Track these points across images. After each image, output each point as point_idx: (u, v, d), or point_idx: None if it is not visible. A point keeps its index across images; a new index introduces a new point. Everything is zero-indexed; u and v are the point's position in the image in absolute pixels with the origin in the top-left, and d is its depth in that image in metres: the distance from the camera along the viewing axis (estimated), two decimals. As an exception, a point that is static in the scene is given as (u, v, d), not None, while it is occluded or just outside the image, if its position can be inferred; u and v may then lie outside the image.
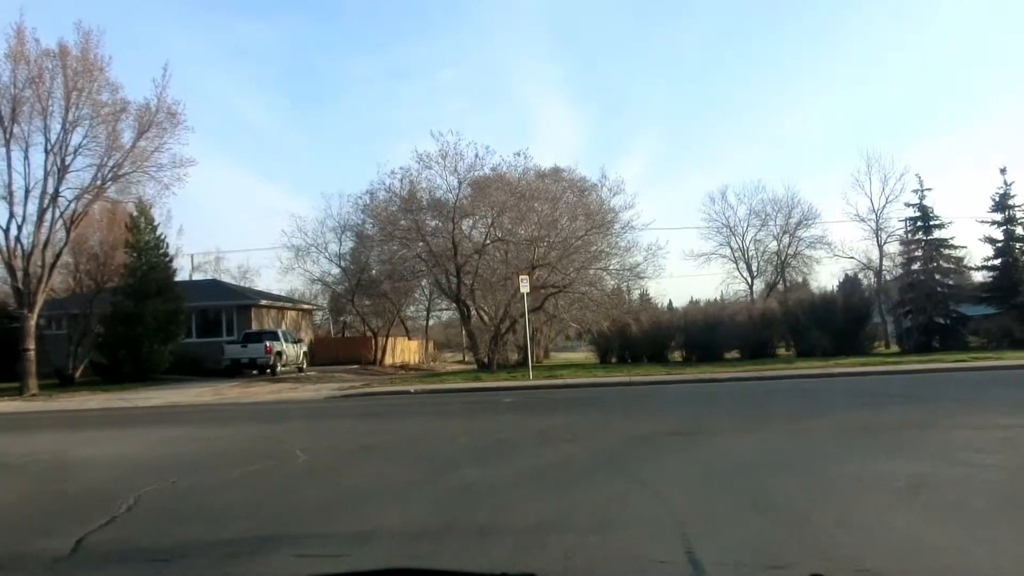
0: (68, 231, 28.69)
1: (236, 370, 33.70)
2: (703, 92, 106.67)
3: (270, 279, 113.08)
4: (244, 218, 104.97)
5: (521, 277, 26.33)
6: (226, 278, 56.07)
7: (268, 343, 33.70)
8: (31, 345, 27.37)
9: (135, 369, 31.02)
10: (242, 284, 53.03)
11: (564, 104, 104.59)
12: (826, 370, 23.38)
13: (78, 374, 32.81)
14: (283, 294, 51.97)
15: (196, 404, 21.94)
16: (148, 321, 31.28)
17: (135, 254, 32.43)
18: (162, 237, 33.60)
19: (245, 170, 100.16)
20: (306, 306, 48.12)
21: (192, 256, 61.53)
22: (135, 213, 32.55)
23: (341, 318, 54.22)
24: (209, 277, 54.43)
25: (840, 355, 31.90)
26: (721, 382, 21.72)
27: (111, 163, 27.91)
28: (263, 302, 40.61)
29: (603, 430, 11.26)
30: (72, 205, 28.32)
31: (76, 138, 27.45)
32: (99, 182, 28.12)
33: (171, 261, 34.51)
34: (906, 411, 12.73)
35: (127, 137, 28.20)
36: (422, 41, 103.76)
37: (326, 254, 45.29)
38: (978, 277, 39.82)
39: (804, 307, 38.10)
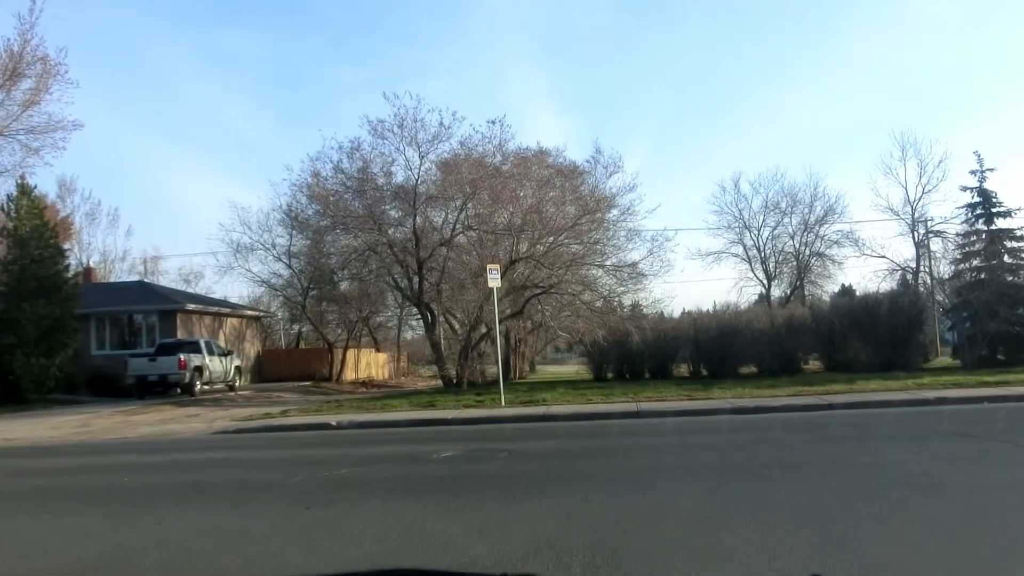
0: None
1: (144, 389, 27.18)
2: (709, 79, 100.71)
3: (227, 285, 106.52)
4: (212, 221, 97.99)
5: (490, 267, 19.70)
6: (164, 281, 49.32)
7: (183, 356, 27.12)
8: None
9: (5, 389, 24.41)
10: (184, 289, 46.33)
11: (555, 112, 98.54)
12: (915, 394, 16.95)
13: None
14: (239, 301, 45.43)
15: (12, 448, 15.47)
16: (26, 328, 24.67)
17: (13, 244, 25.84)
18: (50, 224, 26.98)
19: (225, 176, 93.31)
20: (250, 312, 41.35)
21: (146, 260, 55.24)
22: (13, 193, 25.99)
23: (296, 326, 47.54)
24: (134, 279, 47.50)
25: (887, 371, 25.60)
26: (770, 411, 15.29)
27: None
28: (191, 306, 33.90)
29: None
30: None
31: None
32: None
33: (63, 255, 27.74)
34: None
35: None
36: (410, 50, 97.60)
37: (274, 251, 38.40)
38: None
39: (840, 313, 31.73)
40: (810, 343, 32.65)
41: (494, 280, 19.57)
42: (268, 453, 12.09)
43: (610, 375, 33.20)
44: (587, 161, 34.27)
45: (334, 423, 16.52)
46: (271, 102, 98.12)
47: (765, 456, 9.27)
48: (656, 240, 32.04)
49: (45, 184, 68.47)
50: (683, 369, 33.51)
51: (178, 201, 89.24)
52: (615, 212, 31.85)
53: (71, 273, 38.55)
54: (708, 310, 44.34)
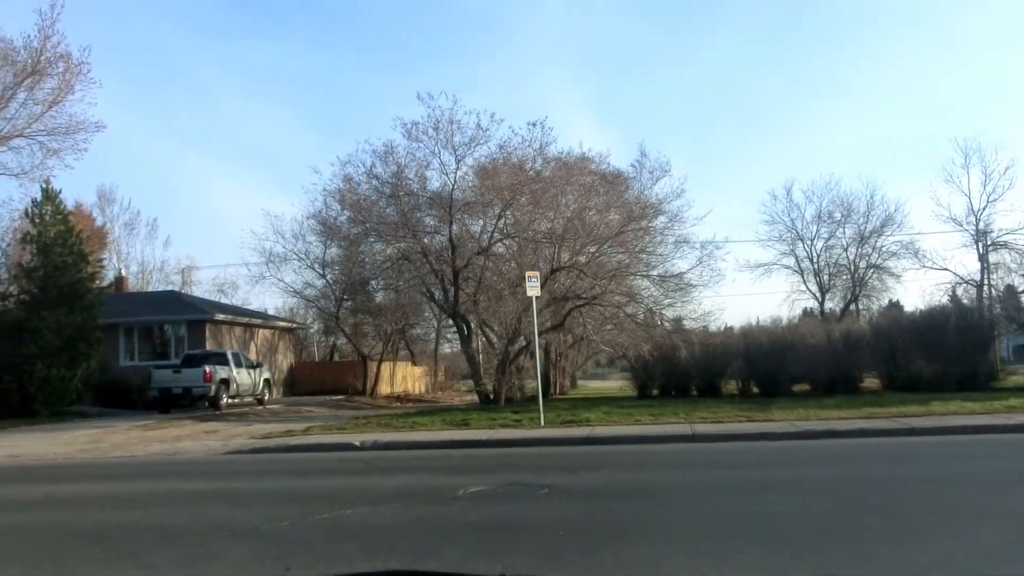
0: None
1: (169, 402, 26.08)
2: (754, 90, 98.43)
3: (261, 295, 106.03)
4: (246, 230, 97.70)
5: (528, 275, 18.15)
6: (198, 291, 48.47)
7: (209, 369, 25.96)
8: None
9: (24, 401, 23.45)
10: (219, 299, 45.46)
11: (594, 126, 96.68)
12: (1009, 419, 15.00)
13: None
14: (274, 312, 44.43)
15: (10, 467, 14.34)
16: (47, 337, 23.68)
17: (37, 251, 24.94)
18: (75, 230, 26.04)
19: (261, 188, 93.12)
20: (282, 323, 40.25)
21: (183, 271, 54.54)
22: (38, 198, 25.11)
23: (330, 339, 46.35)
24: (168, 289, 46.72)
25: (955, 390, 23.62)
26: (842, 437, 13.52)
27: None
28: (220, 317, 32.85)
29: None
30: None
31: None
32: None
33: (87, 261, 26.72)
34: None
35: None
36: (447, 65, 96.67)
37: (307, 260, 37.19)
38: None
39: (903, 328, 29.65)
40: (868, 360, 30.53)
41: (533, 288, 18.02)
42: (269, 482, 10.65)
43: (655, 392, 31.42)
44: (632, 166, 32.81)
45: (357, 443, 15.13)
46: (308, 116, 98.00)
47: (859, 500, 7.57)
48: (706, 248, 30.27)
49: (85, 193, 68.87)
50: (732, 386, 31.65)
51: (214, 212, 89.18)
52: (662, 219, 30.24)
53: (106, 282, 38.12)
54: (757, 324, 42.58)
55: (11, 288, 25.27)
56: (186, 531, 6.89)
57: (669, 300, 31.26)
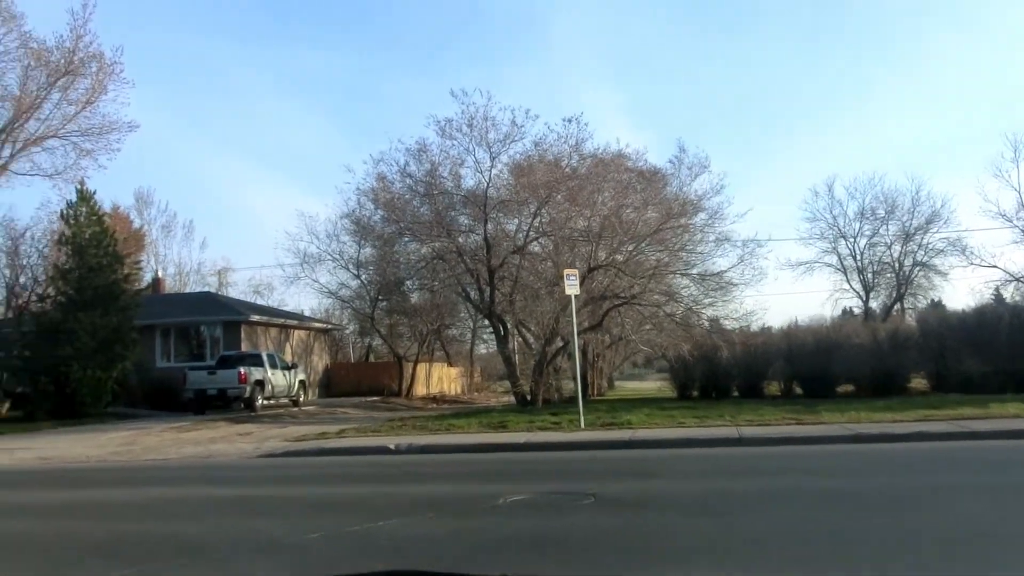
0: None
1: (204, 404, 25.92)
2: (792, 89, 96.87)
3: (296, 296, 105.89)
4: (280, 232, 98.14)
5: (567, 272, 17.62)
6: (234, 292, 48.52)
7: (243, 370, 25.76)
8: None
9: (61, 402, 23.40)
10: (255, 301, 45.42)
11: (630, 128, 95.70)
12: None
13: (5, 409, 25.37)
14: (309, 313, 44.30)
15: (33, 470, 14.16)
16: (82, 339, 23.63)
17: (72, 253, 24.93)
18: (110, 231, 25.99)
19: (295, 190, 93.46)
20: (318, 324, 40.09)
21: (219, 272, 54.65)
22: (73, 199, 25.09)
23: (365, 340, 46.14)
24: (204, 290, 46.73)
25: (1011, 392, 22.61)
26: (899, 441, 12.83)
27: (15, 124, 20.33)
28: (255, 318, 32.70)
29: None
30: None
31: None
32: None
33: (122, 263, 26.64)
34: None
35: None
36: (481, 67, 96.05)
37: (341, 261, 36.98)
38: None
39: (952, 327, 28.63)
40: (916, 360, 29.54)
41: (572, 287, 17.49)
42: (299, 490, 10.24)
43: (695, 393, 30.74)
44: (670, 162, 32.10)
45: (392, 446, 14.71)
46: (341, 117, 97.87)
47: (942, 518, 6.81)
48: (747, 246, 29.45)
49: (123, 196, 69.47)
50: (774, 387, 30.86)
51: (249, 213, 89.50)
52: (702, 216, 29.48)
53: (143, 284, 38.26)
54: (795, 324, 41.47)
55: (48, 290, 25.28)
56: (206, 544, 6.47)
57: (709, 299, 30.48)
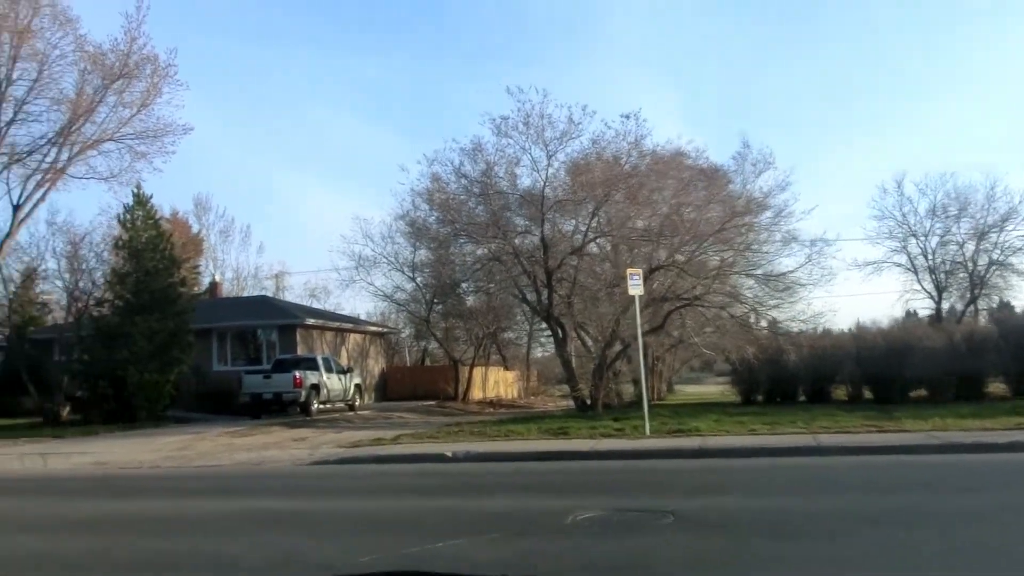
0: (13, 225, 21.30)
1: (259, 408, 25.77)
2: (858, 87, 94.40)
3: (352, 300, 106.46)
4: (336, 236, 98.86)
5: (630, 272, 16.91)
6: (290, 296, 48.65)
7: (299, 374, 25.53)
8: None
9: (119, 406, 23.42)
10: (311, 304, 45.44)
11: (685, 124, 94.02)
12: None
13: (66, 412, 25.56)
14: (365, 317, 44.19)
15: (88, 476, 13.93)
16: (139, 343, 23.62)
17: (129, 256, 24.98)
18: (167, 235, 26.01)
19: (351, 195, 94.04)
20: (373, 328, 39.86)
21: (275, 276, 54.95)
22: (129, 203, 25.14)
23: (421, 343, 45.86)
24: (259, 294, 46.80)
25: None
26: (995, 451, 11.82)
27: (72, 127, 20.32)
28: (311, 321, 32.54)
29: None
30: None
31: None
32: (51, 157, 20.62)
33: (179, 266, 26.65)
34: None
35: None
36: (535, 71, 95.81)
37: (396, 263, 36.68)
38: None
39: (1037, 327, 27.14)
40: (995, 363, 28.04)
41: (636, 287, 16.77)
42: (351, 502, 9.70)
43: (760, 397, 29.64)
44: (733, 158, 31.07)
45: (449, 454, 14.16)
46: (395, 121, 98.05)
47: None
48: (815, 245, 28.21)
49: (182, 202, 70.47)
50: (841, 391, 29.59)
51: (305, 218, 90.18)
52: (767, 214, 28.38)
53: (201, 288, 38.50)
54: (859, 325, 39.87)
55: (107, 294, 25.37)
56: (243, 567, 5.93)
57: (775, 300, 29.31)
